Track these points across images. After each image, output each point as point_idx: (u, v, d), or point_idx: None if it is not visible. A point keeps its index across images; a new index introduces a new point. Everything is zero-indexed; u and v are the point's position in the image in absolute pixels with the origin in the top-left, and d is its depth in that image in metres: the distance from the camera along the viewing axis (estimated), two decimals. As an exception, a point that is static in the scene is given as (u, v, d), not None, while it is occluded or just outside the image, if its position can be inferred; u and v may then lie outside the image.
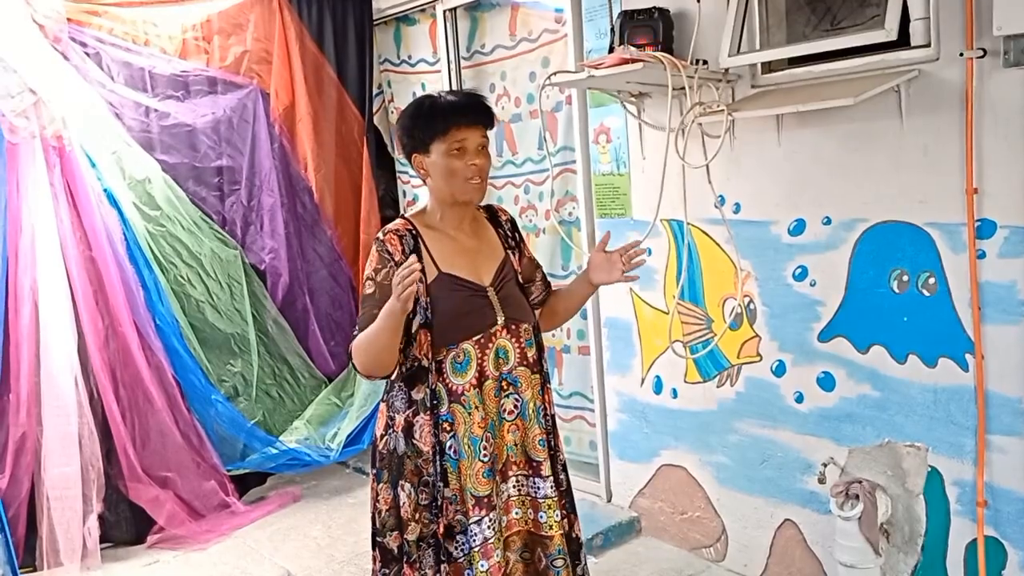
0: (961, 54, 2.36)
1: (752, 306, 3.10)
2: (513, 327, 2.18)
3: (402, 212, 4.93)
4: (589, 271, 2.28)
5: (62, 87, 3.69)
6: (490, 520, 2.14)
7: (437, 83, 4.49)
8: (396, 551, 2.16)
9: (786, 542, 3.12)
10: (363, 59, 4.66)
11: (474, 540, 2.12)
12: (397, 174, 5.01)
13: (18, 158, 3.59)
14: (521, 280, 2.29)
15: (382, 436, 2.17)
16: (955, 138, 2.45)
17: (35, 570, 3.59)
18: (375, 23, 4.69)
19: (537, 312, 2.35)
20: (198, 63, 4.21)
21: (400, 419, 2.12)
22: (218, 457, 4.12)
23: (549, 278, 2.45)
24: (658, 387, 3.49)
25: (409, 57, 4.67)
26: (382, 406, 2.20)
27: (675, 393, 3.43)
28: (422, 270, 1.92)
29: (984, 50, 2.32)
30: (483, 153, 2.13)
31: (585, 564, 2.35)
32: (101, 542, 3.72)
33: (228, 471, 4.15)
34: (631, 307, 3.54)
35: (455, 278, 2.12)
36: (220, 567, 3.68)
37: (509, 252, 2.28)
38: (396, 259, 2.07)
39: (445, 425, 2.10)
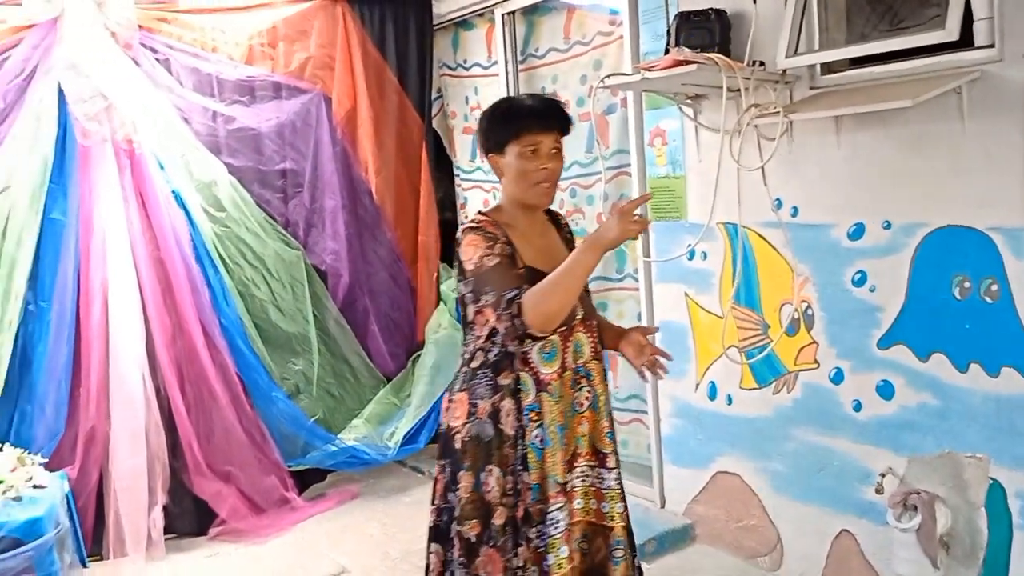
0: (1025, 54, 2.29)
1: (810, 311, 3.05)
2: (588, 322, 2.27)
3: (459, 214, 5.01)
4: (620, 342, 2.33)
5: (133, 92, 3.82)
6: (565, 508, 2.19)
7: (489, 87, 4.52)
8: (474, 540, 2.16)
9: (843, 552, 3.06)
10: (423, 64, 4.72)
11: (555, 527, 2.16)
12: (454, 177, 5.05)
13: (90, 161, 3.74)
14: None
15: (463, 424, 2.18)
16: (1019, 140, 2.37)
17: (102, 559, 3.71)
18: (435, 28, 4.74)
19: None
20: (263, 69, 4.31)
21: (485, 405, 2.16)
22: (279, 453, 4.20)
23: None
24: (713, 393, 3.45)
25: (464, 61, 4.72)
26: (458, 396, 2.21)
27: (730, 399, 3.39)
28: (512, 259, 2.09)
29: (1050, 50, 2.25)
30: (556, 157, 2.19)
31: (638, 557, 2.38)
32: (165, 533, 3.82)
33: (289, 467, 4.23)
34: (686, 311, 3.51)
35: (539, 272, 2.12)
36: (278, 561, 3.76)
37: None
38: (500, 237, 2.14)
39: (532, 414, 2.15)
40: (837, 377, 3.00)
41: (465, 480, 2.17)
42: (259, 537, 3.96)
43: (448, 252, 4.90)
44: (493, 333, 2.16)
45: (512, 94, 4.29)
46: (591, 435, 2.26)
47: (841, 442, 3.01)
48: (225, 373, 4.07)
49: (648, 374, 2.32)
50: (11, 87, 3.66)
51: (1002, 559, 2.59)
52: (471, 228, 2.17)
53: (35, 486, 3.25)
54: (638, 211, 2.05)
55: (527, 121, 2.15)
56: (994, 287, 2.51)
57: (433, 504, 2.28)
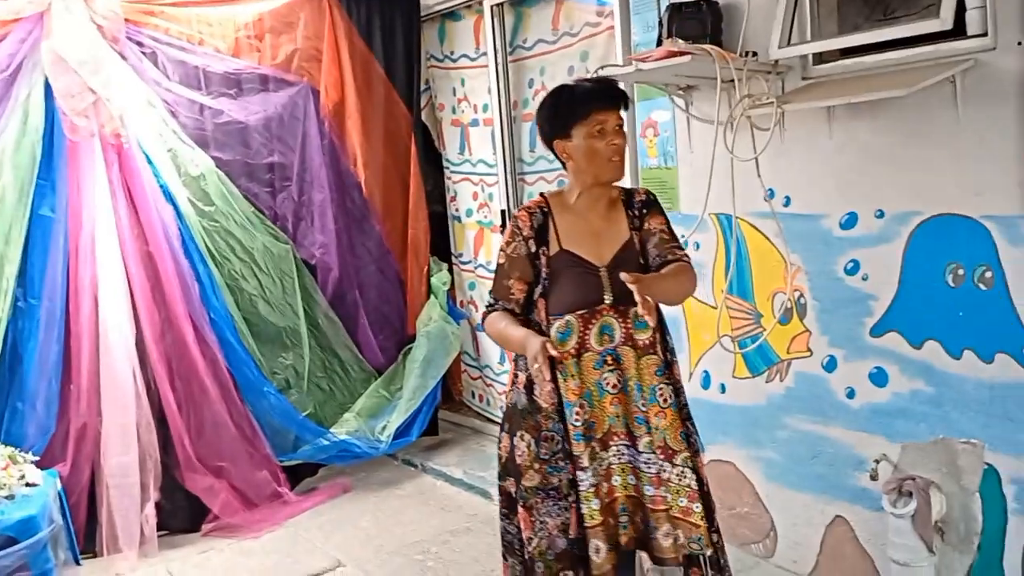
0: (1020, 43, 2.31)
1: (802, 301, 3.07)
2: (622, 308, 2.28)
3: (448, 207, 5.00)
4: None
5: (120, 86, 3.79)
6: (582, 477, 2.28)
7: (477, 79, 4.51)
8: (512, 495, 2.36)
9: (837, 539, 3.09)
10: (410, 56, 4.70)
11: (582, 484, 2.28)
12: (443, 169, 5.04)
13: (79, 156, 3.71)
14: (643, 260, 2.36)
15: (509, 391, 2.42)
16: (1012, 129, 2.39)
17: (95, 556, 3.70)
18: (422, 19, 4.72)
19: None
20: (250, 61, 4.29)
21: (523, 377, 2.33)
22: (271, 448, 4.20)
23: (677, 251, 2.38)
24: (706, 382, 3.47)
25: (452, 53, 4.70)
26: (511, 364, 2.44)
27: (723, 388, 3.41)
28: (531, 254, 2.31)
29: (1044, 39, 2.27)
30: (620, 133, 2.29)
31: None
32: (158, 530, 3.82)
33: (280, 462, 4.23)
34: (679, 301, 3.52)
35: (572, 255, 2.30)
36: (272, 555, 3.75)
37: (634, 233, 2.36)
38: (524, 234, 2.31)
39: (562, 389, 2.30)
40: (830, 365, 3.02)
41: (504, 441, 2.39)
42: (252, 532, 3.95)
43: (438, 245, 4.90)
44: (530, 309, 2.32)
45: (500, 86, 4.29)
46: (624, 416, 2.32)
47: (834, 430, 3.03)
48: (215, 368, 4.06)
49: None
50: (-2, 82, 3.63)
51: (997, 544, 2.62)
52: (514, 215, 2.39)
53: (28, 484, 3.24)
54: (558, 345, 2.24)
55: (592, 102, 2.25)
56: (988, 274, 2.53)
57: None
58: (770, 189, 3.01)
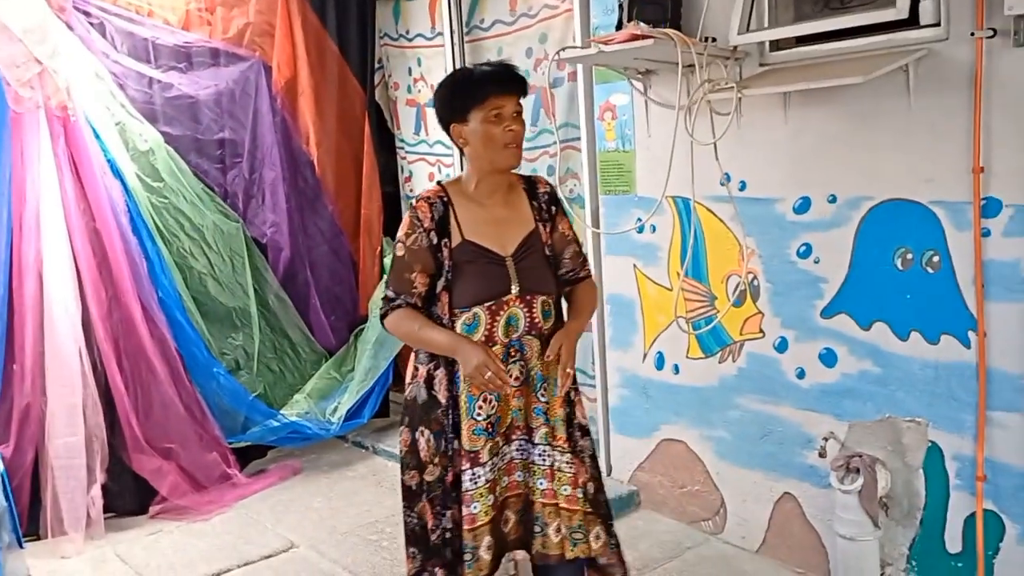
0: (972, 34, 2.39)
1: (756, 283, 3.13)
2: (528, 298, 2.25)
3: (401, 188, 4.97)
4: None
5: (67, 57, 3.67)
6: (472, 474, 2.24)
7: (434, 58, 4.49)
8: (414, 488, 2.32)
9: (785, 515, 3.17)
10: (364, 33, 4.65)
11: (471, 484, 2.24)
12: (396, 149, 5.00)
13: (23, 128, 3.58)
14: (550, 253, 2.34)
15: (408, 384, 2.35)
16: (963, 117, 2.47)
17: (39, 538, 3.61)
18: (377, -3, 4.67)
19: (563, 290, 2.42)
20: (201, 35, 4.21)
21: (423, 371, 2.29)
22: (220, 429, 4.14)
23: (586, 266, 2.47)
24: (660, 363, 3.53)
25: (407, 32, 4.66)
26: (412, 357, 2.36)
27: (677, 369, 3.47)
28: (432, 247, 2.21)
29: (994, 30, 2.35)
30: (518, 120, 2.24)
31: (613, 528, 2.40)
32: (104, 512, 3.74)
33: (230, 443, 4.18)
34: (635, 284, 3.56)
35: (476, 246, 2.23)
36: (223, 537, 3.71)
37: (540, 224, 2.32)
38: (424, 225, 2.23)
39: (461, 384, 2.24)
40: (781, 346, 3.09)
41: (405, 435, 2.33)
42: (201, 514, 3.90)
43: (391, 225, 4.87)
44: (432, 303, 2.25)
45: (458, 66, 4.27)
46: (525, 409, 2.31)
47: (784, 409, 3.12)
48: (163, 347, 3.98)
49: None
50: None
51: (939, 519, 2.73)
52: (412, 206, 2.28)
53: (-31, 465, 3.14)
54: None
55: (488, 86, 2.19)
56: (935, 258, 2.62)
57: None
58: (726, 173, 3.06)
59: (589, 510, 2.32)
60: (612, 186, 3.59)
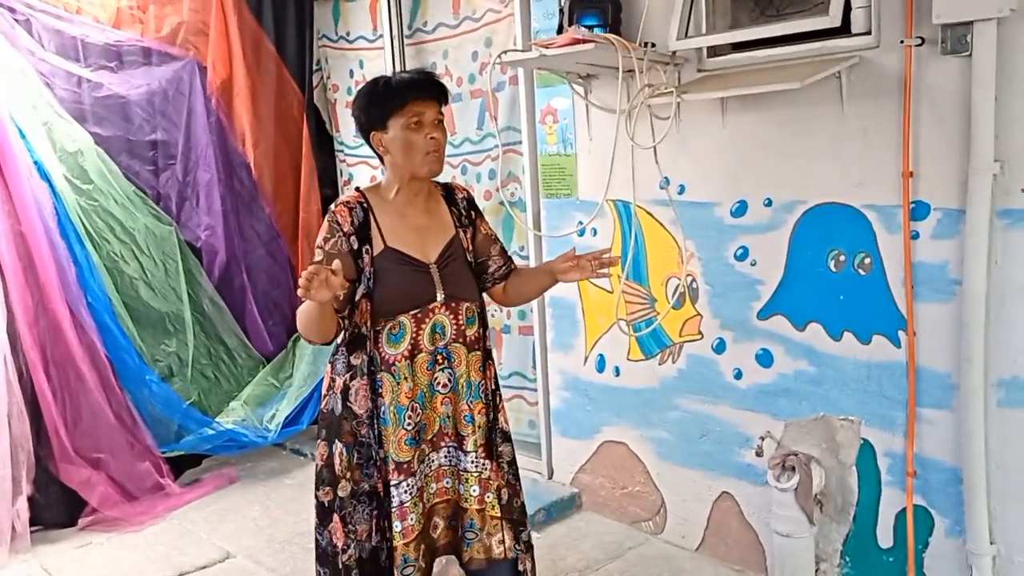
0: (901, 42, 2.46)
1: (695, 285, 3.18)
2: (453, 304, 2.25)
3: (341, 191, 4.91)
4: (555, 271, 2.36)
5: (-10, 54, 3.55)
6: (407, 485, 2.22)
7: (376, 60, 4.45)
8: (327, 504, 2.26)
9: (723, 514, 3.22)
10: (303, 34, 4.60)
11: (393, 502, 2.21)
12: (335, 152, 4.95)
13: (-57, 127, 3.45)
14: (473, 258, 2.35)
15: (324, 396, 2.29)
16: (893, 123, 2.55)
17: (-40, 554, 3.47)
18: (314, -3, 4.62)
19: (499, 286, 2.43)
20: (132, 33, 4.11)
21: (340, 382, 2.23)
22: (152, 438, 4.04)
23: (511, 261, 2.48)
24: (601, 365, 3.55)
25: (347, 34, 4.62)
26: (328, 367, 2.30)
27: (617, 371, 3.50)
28: (353, 252, 2.12)
29: (923, 38, 2.42)
30: (439, 127, 2.21)
31: (527, 534, 2.42)
32: (31, 525, 3.62)
33: (163, 453, 4.08)
34: (576, 287, 3.58)
35: (399, 253, 2.20)
36: (156, 548, 3.61)
37: (460, 230, 2.33)
38: (344, 230, 2.16)
39: (380, 393, 2.20)
40: (719, 347, 3.14)
41: (322, 449, 2.28)
42: (134, 525, 3.80)
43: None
44: (350, 313, 2.18)
45: (398, 69, 4.24)
46: (453, 416, 2.30)
47: (722, 409, 3.17)
48: (93, 354, 3.87)
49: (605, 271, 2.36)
50: None
51: (871, 514, 2.80)
52: (331, 210, 2.22)
53: None
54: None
55: (409, 92, 2.17)
56: (867, 260, 2.69)
57: None
58: (666, 177, 3.10)
59: (497, 515, 2.33)
60: (553, 189, 3.60)
